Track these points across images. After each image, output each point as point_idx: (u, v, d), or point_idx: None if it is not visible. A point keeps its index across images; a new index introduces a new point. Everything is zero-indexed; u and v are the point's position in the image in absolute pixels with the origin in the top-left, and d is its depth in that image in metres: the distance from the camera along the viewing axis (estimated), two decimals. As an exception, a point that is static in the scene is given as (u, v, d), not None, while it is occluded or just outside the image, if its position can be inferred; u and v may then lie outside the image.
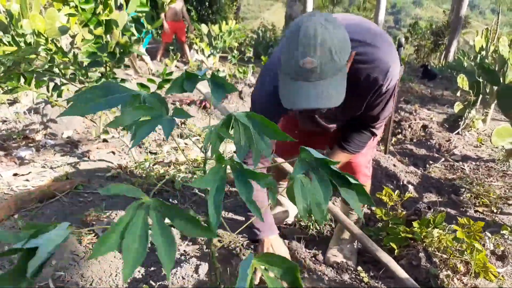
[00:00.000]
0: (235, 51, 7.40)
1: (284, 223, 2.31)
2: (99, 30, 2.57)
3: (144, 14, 2.51)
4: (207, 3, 12.95)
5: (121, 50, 2.53)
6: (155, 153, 3.20)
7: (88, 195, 2.47)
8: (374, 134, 1.79)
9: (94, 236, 2.09)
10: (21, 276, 0.73)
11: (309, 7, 10.37)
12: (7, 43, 2.90)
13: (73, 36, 4.44)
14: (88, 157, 3.04)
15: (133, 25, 2.52)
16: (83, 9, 2.51)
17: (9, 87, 2.60)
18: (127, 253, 0.67)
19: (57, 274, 1.82)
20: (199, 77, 0.88)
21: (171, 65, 6.49)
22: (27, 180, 2.64)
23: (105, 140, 3.33)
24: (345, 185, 0.85)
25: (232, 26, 7.75)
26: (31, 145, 3.15)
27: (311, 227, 2.23)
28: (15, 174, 2.69)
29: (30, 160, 2.92)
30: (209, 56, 7.23)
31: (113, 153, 3.16)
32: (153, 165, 2.94)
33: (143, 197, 0.81)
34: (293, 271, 0.80)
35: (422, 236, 1.90)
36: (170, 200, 2.48)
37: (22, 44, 3.26)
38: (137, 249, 0.68)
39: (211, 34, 7.63)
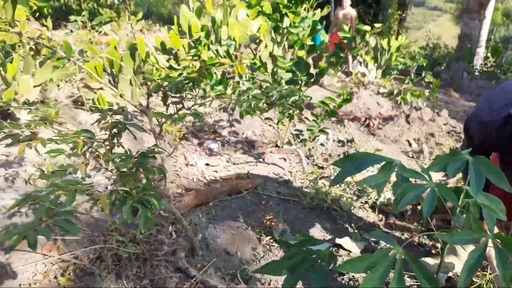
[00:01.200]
0: (412, 74, 6.77)
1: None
2: (301, 52, 2.81)
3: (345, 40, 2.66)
4: (372, 12, 12.77)
5: (318, 72, 2.73)
6: (322, 167, 3.37)
7: (266, 197, 2.75)
8: None
9: (270, 239, 2.34)
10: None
11: (486, 25, 9.40)
12: (213, 51, 3.33)
13: (258, 43, 4.88)
14: (263, 159, 3.36)
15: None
16: (290, 32, 2.75)
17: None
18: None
19: (242, 267, 2.10)
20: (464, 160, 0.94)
21: (334, 76, 6.62)
22: (215, 171, 3.06)
23: (277, 146, 3.63)
24: None
25: (402, 41, 7.50)
26: (218, 139, 3.62)
27: None
28: (206, 164, 3.14)
29: (217, 152, 3.36)
30: (371, 70, 7.16)
31: (284, 159, 3.43)
32: (319, 179, 3.11)
33: (395, 247, 0.93)
34: None
35: None
36: (337, 219, 2.60)
37: (220, 52, 3.67)
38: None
39: (378, 47, 7.52)
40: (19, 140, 1.43)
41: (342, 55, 2.66)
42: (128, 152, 1.22)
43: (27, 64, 3.25)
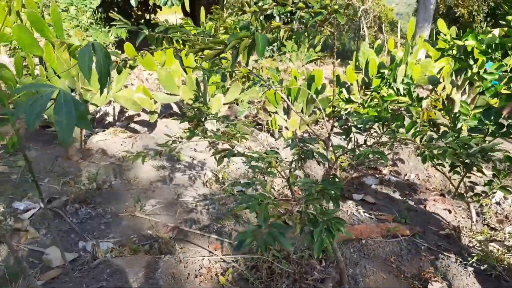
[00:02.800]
0: None
1: None
2: (493, 100, 2.60)
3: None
4: None
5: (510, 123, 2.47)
6: (495, 229, 3.01)
7: (424, 247, 2.59)
8: None
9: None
10: None
11: None
12: (394, 89, 3.32)
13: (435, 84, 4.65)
14: (424, 206, 3.18)
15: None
16: (483, 78, 2.57)
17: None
18: None
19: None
20: None
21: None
22: (371, 209, 3.03)
23: (442, 195, 3.38)
24: None
25: None
26: (378, 176, 3.57)
27: None
28: (362, 200, 3.13)
29: (374, 189, 3.32)
30: None
31: (449, 211, 3.17)
32: (490, 241, 2.78)
33: None
34: None
35: None
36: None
37: (401, 90, 3.62)
38: None
39: None
40: (217, 150, 1.70)
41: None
42: (309, 177, 1.34)
43: (223, 86, 3.79)
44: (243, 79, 1.77)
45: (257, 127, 4.47)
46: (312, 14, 1.32)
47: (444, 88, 4.50)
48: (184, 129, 4.31)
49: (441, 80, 4.47)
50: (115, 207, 2.79)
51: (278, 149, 3.99)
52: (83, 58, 1.12)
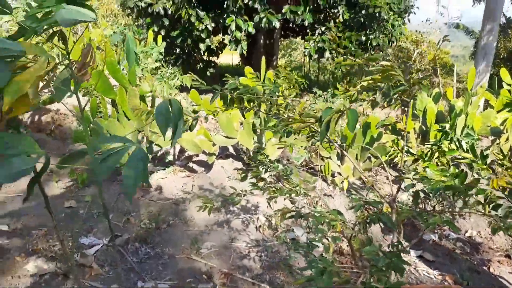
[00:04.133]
0: None
1: None
2: None
3: None
4: None
5: None
6: None
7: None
8: None
9: None
10: None
11: None
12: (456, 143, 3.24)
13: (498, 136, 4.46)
14: (488, 268, 3.00)
15: None
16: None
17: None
18: None
19: None
20: None
21: None
22: (430, 267, 2.91)
23: (507, 256, 3.18)
24: None
25: None
26: (436, 231, 3.43)
27: None
28: (420, 257, 3.02)
29: (432, 245, 3.19)
30: None
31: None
32: None
33: None
34: None
35: None
36: None
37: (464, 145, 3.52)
38: None
39: None
40: (284, 211, 1.74)
41: None
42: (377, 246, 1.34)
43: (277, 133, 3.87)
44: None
45: (309, 170, 4.49)
46: (392, 86, 1.38)
47: (507, 139, 4.31)
48: (238, 170, 4.42)
49: (504, 131, 4.30)
50: (172, 248, 2.89)
51: (331, 196, 3.97)
52: (161, 115, 1.23)
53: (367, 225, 1.47)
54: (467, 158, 2.62)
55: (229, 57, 14.92)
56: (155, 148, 4.03)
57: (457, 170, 1.69)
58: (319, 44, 8.38)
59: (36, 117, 4.85)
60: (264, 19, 7.68)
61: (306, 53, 9.21)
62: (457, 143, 3.02)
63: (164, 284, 2.50)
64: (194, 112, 4.66)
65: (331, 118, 1.17)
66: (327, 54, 8.51)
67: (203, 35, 7.67)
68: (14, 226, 3.00)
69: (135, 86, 3.43)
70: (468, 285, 2.72)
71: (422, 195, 1.66)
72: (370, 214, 1.44)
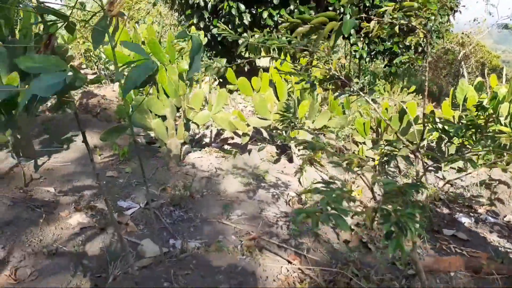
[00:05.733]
0: None
1: None
2: None
3: None
4: None
5: None
6: None
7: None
8: None
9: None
10: None
11: None
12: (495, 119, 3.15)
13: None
14: (526, 251, 2.88)
15: None
16: None
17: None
18: None
19: None
20: None
21: None
22: (470, 247, 2.84)
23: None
24: None
25: None
26: (472, 214, 3.33)
27: None
28: (453, 236, 2.94)
29: (469, 228, 3.11)
30: None
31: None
32: None
33: None
34: None
35: None
36: None
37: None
38: None
39: None
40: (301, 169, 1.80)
41: None
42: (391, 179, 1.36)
43: (312, 111, 3.92)
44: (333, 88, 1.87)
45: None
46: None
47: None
48: (271, 153, 4.49)
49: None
50: (204, 213, 3.00)
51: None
52: (193, 46, 1.33)
53: (386, 163, 1.50)
54: (505, 133, 2.57)
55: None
56: (194, 127, 4.19)
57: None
58: (371, 47, 8.23)
59: (84, 101, 5.18)
60: (296, 10, 7.52)
61: (357, 56, 9.06)
62: (495, 119, 2.95)
63: (194, 241, 2.61)
64: (230, 91, 4.79)
65: (326, 22, 1.21)
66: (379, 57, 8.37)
67: (239, 30, 7.74)
68: (60, 189, 3.23)
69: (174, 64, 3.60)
70: (503, 263, 2.63)
71: (445, 138, 1.66)
72: (389, 151, 1.46)
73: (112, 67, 6.51)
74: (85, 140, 1.72)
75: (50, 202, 2.95)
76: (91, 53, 6.70)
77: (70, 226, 2.70)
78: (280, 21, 7.50)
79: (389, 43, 8.34)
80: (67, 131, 4.38)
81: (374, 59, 8.83)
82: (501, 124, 2.74)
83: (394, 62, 8.56)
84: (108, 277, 2.13)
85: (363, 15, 1.67)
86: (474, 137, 1.59)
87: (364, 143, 4.25)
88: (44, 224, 2.64)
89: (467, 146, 1.70)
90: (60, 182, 3.33)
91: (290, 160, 4.25)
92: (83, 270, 2.19)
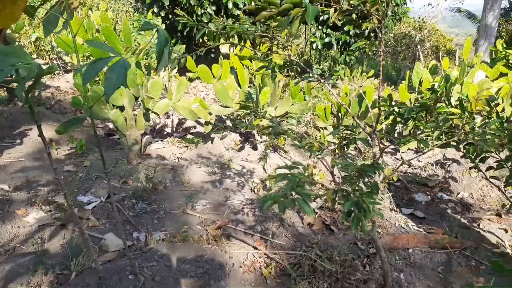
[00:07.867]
0: None
1: None
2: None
3: None
4: None
5: None
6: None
7: (475, 262, 2.50)
8: None
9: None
10: None
11: None
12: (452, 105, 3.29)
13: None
14: (478, 225, 3.05)
15: None
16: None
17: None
18: None
19: None
20: None
21: None
22: (420, 224, 2.97)
23: (498, 215, 3.23)
24: None
25: None
26: (428, 193, 3.48)
27: None
28: (411, 214, 3.07)
29: (424, 207, 3.25)
30: None
31: (506, 230, 3.02)
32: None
33: None
34: None
35: None
36: None
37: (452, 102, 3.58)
38: None
39: None
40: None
41: None
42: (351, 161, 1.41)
43: (274, 97, 3.93)
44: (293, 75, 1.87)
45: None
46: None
47: (503, 110, 4.34)
48: (235, 141, 4.48)
49: (499, 101, 4.33)
50: (168, 204, 2.97)
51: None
52: (160, 39, 1.29)
53: (345, 147, 1.53)
54: (455, 114, 2.67)
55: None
56: (153, 117, 4.10)
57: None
58: (326, 40, 8.29)
59: (36, 93, 4.93)
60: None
61: (314, 47, 9.11)
62: (446, 101, 3.08)
63: (159, 233, 2.58)
64: (190, 80, 4.72)
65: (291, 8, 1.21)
66: (334, 47, 8.46)
67: (204, 19, 7.65)
68: (14, 185, 3.08)
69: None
70: (457, 237, 2.78)
71: (398, 119, 1.71)
72: (347, 135, 1.50)
73: (66, 58, 6.23)
74: (41, 133, 1.64)
75: (4, 200, 2.81)
76: (42, 42, 6.37)
77: (28, 224, 2.59)
78: (246, 10, 7.43)
79: (343, 31, 8.44)
80: (19, 125, 4.17)
81: (330, 49, 8.91)
82: (452, 106, 2.86)
83: (350, 48, 8.69)
84: (70, 273, 2.07)
85: (323, 0, 1.68)
86: (425, 119, 1.66)
87: (325, 128, 4.33)
88: (-1, 223, 2.52)
89: (420, 127, 1.77)
90: (14, 178, 3.18)
91: (254, 147, 4.26)
92: (44, 268, 2.12)
